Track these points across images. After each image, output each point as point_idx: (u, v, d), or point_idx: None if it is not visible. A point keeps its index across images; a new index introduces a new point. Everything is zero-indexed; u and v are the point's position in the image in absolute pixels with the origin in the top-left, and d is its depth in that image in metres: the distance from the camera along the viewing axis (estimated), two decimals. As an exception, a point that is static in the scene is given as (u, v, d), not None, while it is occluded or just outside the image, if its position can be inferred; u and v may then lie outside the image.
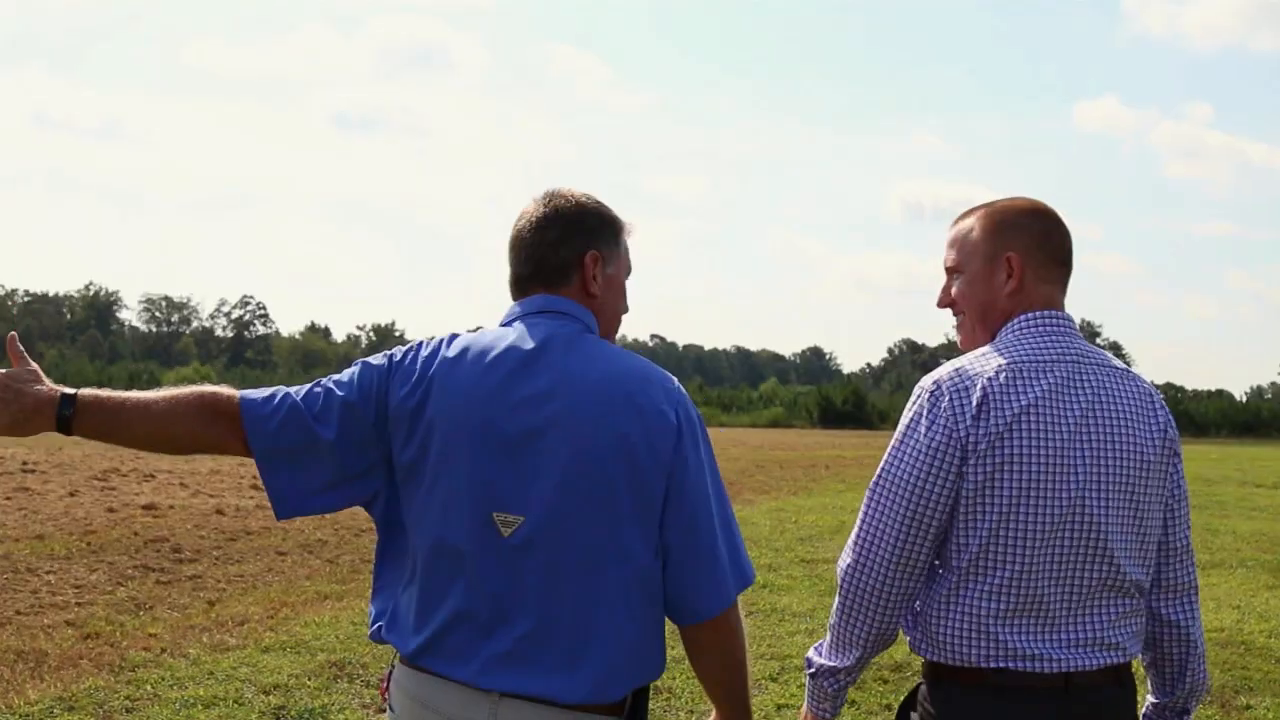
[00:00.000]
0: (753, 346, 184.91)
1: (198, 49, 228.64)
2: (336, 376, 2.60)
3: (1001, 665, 2.52)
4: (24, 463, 21.65)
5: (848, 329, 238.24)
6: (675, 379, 2.57)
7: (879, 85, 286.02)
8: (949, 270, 2.81)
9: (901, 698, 2.91)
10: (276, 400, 2.55)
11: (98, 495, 16.69)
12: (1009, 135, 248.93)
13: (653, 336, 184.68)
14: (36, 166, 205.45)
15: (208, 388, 2.55)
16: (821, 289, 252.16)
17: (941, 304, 2.85)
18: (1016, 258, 2.69)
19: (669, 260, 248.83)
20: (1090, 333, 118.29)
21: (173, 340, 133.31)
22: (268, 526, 13.69)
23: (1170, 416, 2.72)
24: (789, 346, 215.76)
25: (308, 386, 2.58)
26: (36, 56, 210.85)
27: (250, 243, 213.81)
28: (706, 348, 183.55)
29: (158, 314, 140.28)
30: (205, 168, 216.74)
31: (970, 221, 2.78)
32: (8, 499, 15.94)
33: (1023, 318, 2.68)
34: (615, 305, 2.73)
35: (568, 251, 2.62)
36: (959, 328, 2.85)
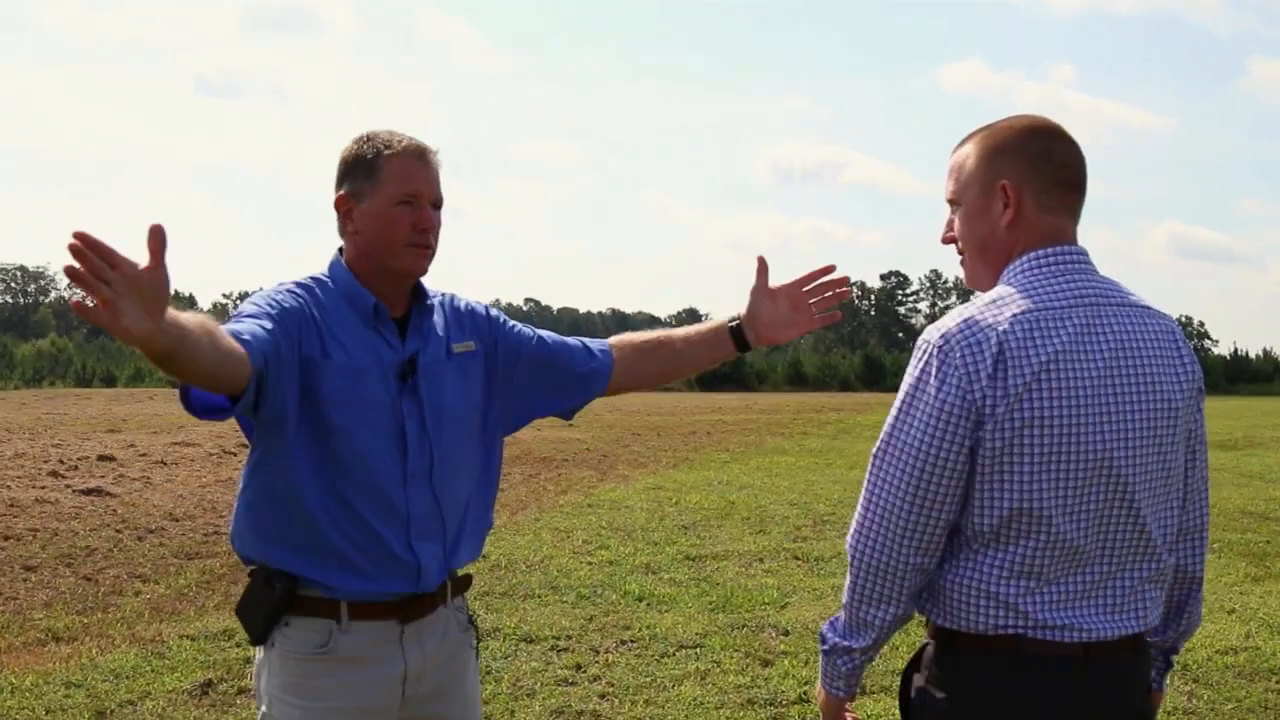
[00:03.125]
0: (628, 309, 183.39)
1: (55, 11, 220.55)
2: None
3: (1018, 633, 2.34)
4: None
5: (722, 291, 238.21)
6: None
7: (749, 47, 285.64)
8: (949, 203, 2.59)
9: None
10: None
11: None
12: (877, 97, 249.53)
13: (527, 300, 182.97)
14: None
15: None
16: (695, 251, 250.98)
17: (945, 240, 2.61)
18: (1011, 185, 2.46)
19: (542, 224, 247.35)
20: (966, 290, 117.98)
21: (29, 311, 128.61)
22: (35, 530, 11.11)
23: (1193, 353, 2.49)
24: (664, 309, 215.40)
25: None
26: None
27: (110, 212, 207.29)
28: (581, 310, 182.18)
29: (13, 284, 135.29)
30: (65, 134, 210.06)
31: (967, 148, 2.55)
32: None
33: (1030, 256, 2.43)
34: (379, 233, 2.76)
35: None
36: (962, 265, 2.60)
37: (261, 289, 2.77)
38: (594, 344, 3.14)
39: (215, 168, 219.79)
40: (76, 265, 2.02)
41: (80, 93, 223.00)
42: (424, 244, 2.78)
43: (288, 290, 2.74)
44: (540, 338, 3.09)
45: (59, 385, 58.42)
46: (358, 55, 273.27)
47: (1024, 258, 2.42)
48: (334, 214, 2.84)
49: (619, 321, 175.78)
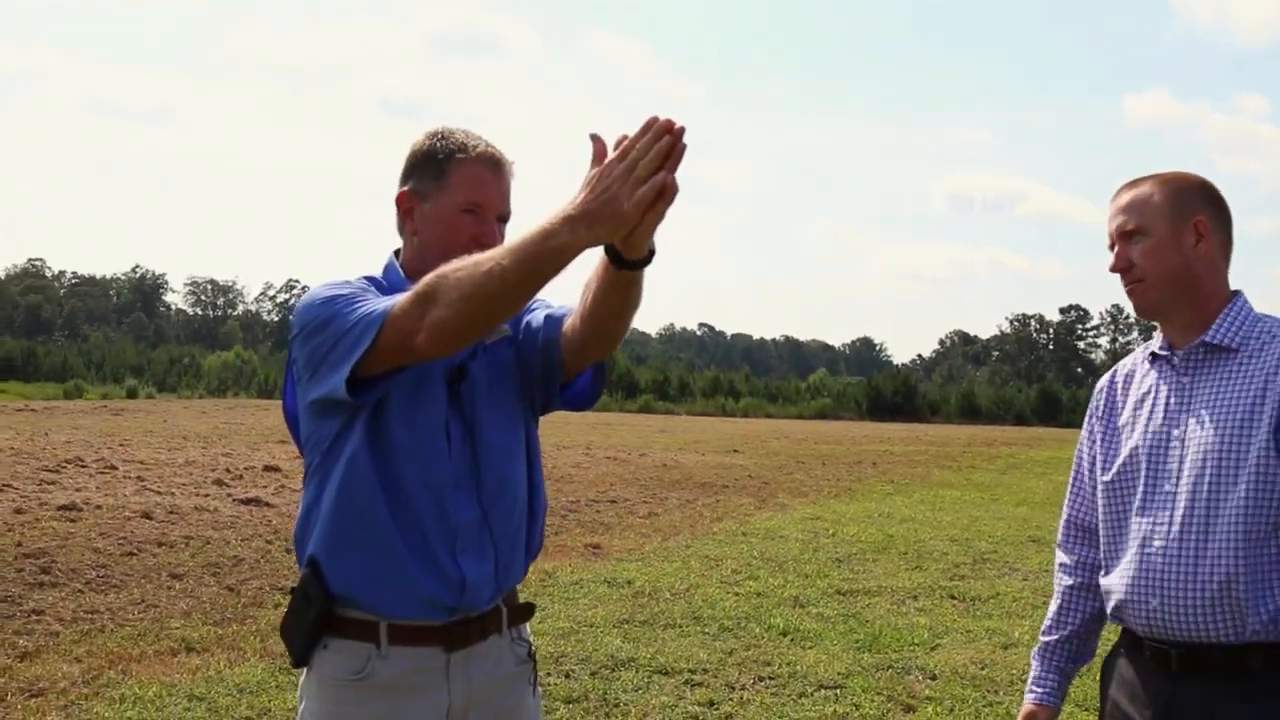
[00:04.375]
0: (801, 336, 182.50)
1: (245, 35, 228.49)
2: None
3: None
4: (-13, 449, 19.57)
5: (898, 320, 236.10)
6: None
7: (926, 76, 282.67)
8: (1127, 234, 2.83)
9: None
10: None
11: (29, 491, 14.36)
12: (1058, 128, 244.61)
13: (700, 325, 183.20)
14: (86, 150, 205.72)
15: None
16: (871, 280, 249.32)
17: (1117, 268, 2.86)
18: (1205, 221, 2.80)
19: (717, 249, 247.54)
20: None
21: (218, 324, 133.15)
22: (188, 538, 11.22)
23: None
24: (838, 337, 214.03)
25: None
26: (87, 42, 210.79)
27: (296, 227, 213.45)
28: (755, 337, 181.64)
29: (203, 297, 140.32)
30: (253, 152, 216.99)
31: (1147, 188, 2.83)
32: (-79, 495, 13.64)
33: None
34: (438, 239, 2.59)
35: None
36: (1132, 292, 2.86)
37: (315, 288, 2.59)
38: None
39: (395, 187, 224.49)
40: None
41: (271, 112, 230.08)
42: None
43: (352, 281, 2.60)
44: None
45: (242, 396, 60.07)
46: (537, 77, 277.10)
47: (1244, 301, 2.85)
48: (394, 209, 2.67)
49: (793, 349, 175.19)
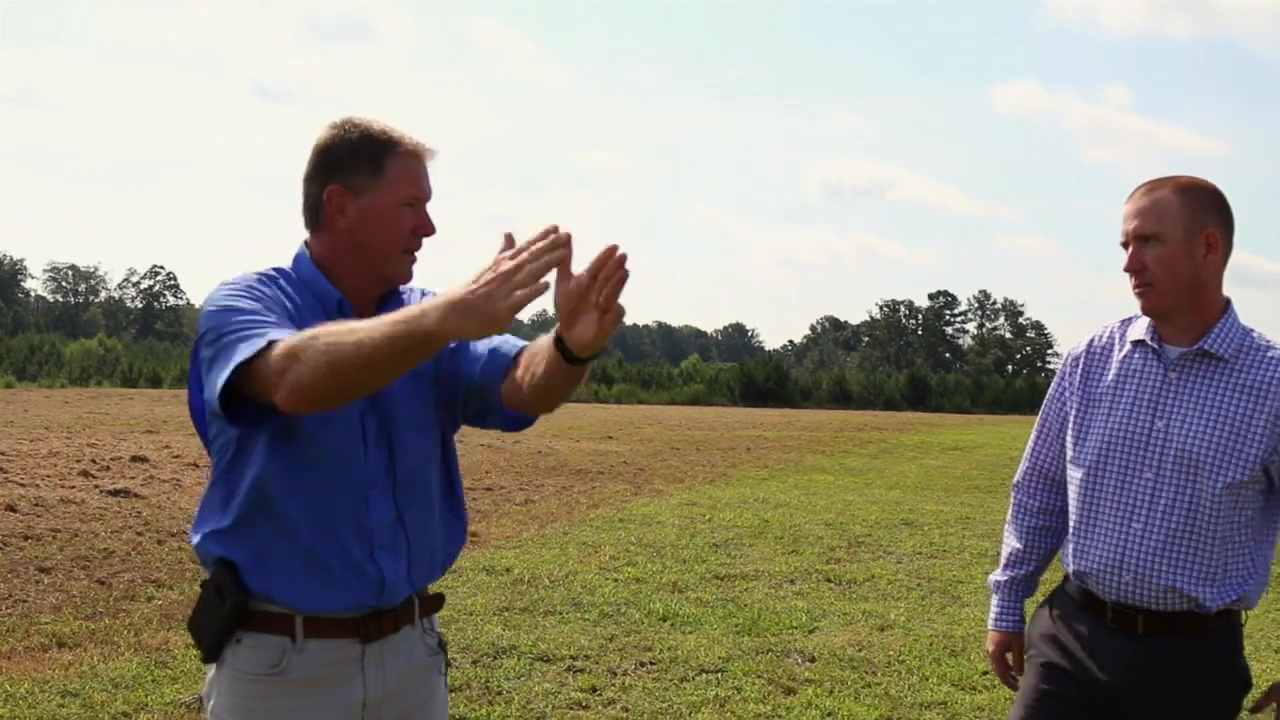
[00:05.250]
0: (675, 323, 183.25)
1: (117, 15, 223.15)
2: None
3: None
4: None
5: (770, 306, 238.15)
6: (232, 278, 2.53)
7: (799, 64, 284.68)
8: (1142, 237, 3.05)
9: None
10: None
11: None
12: (928, 116, 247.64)
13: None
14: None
15: None
16: (744, 266, 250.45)
17: (1131, 269, 3.07)
18: (1215, 234, 3.05)
19: (593, 234, 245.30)
20: (1013, 311, 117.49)
21: (80, 310, 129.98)
22: (56, 530, 10.96)
23: None
24: (711, 323, 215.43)
25: None
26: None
27: (163, 213, 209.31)
28: (628, 323, 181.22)
29: (64, 284, 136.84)
30: (119, 136, 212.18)
31: (1166, 194, 3.05)
32: None
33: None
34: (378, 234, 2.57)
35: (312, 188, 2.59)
36: (1142, 294, 3.07)
37: (226, 280, 2.53)
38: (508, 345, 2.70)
39: (268, 172, 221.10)
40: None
41: (137, 95, 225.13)
42: (417, 249, 2.62)
43: (263, 279, 2.55)
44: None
45: (105, 385, 58.76)
46: (413, 64, 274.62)
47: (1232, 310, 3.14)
48: (312, 205, 2.61)
49: (665, 335, 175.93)
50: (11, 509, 12.02)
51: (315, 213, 2.61)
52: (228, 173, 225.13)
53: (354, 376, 2.21)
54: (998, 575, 3.52)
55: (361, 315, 2.51)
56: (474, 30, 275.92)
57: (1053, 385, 3.38)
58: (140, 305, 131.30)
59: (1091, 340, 3.30)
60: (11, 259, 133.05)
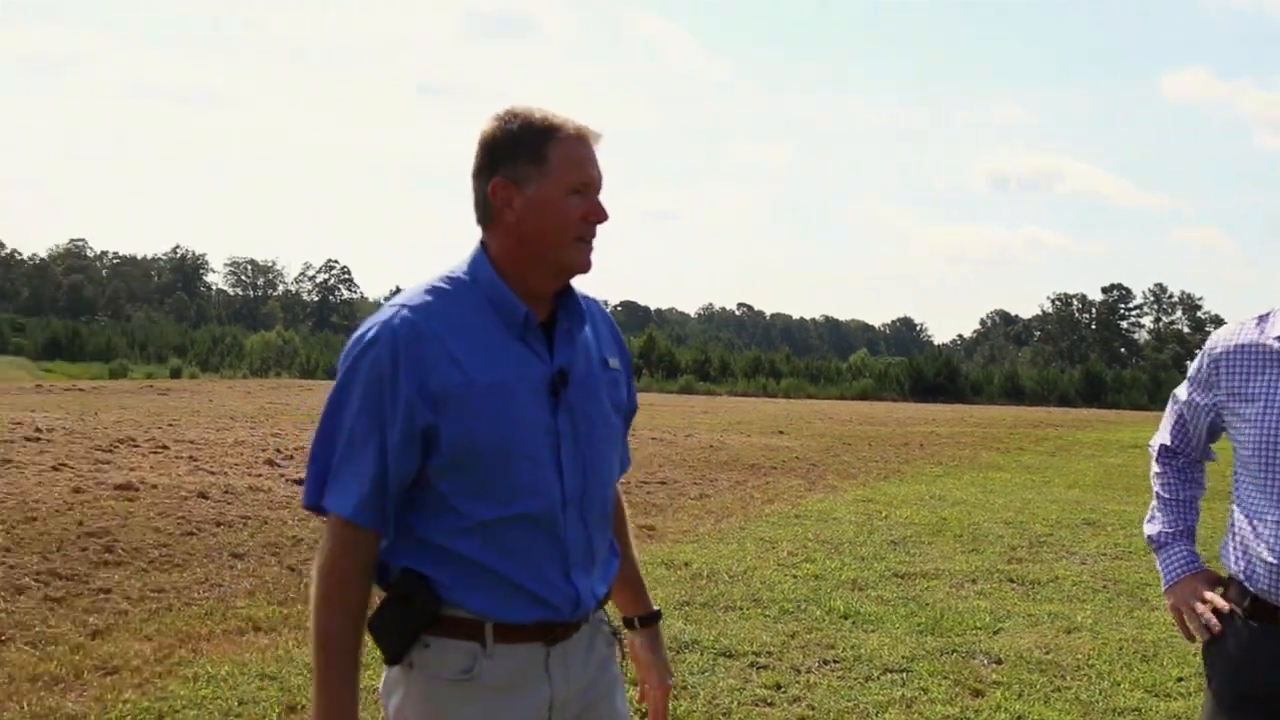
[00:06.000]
0: (841, 316, 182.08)
1: (285, 18, 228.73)
2: None
3: None
4: (37, 429, 19.74)
5: (938, 300, 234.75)
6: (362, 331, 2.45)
7: (964, 55, 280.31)
8: None
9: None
10: None
11: (85, 470, 14.50)
12: (1095, 106, 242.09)
13: (739, 305, 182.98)
14: (127, 132, 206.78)
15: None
16: (910, 259, 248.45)
17: None
18: None
19: (756, 229, 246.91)
20: (1191, 305, 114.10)
21: (258, 304, 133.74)
22: (245, 517, 11.30)
23: None
24: (879, 317, 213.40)
25: None
26: (132, 26, 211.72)
27: (334, 208, 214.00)
28: (794, 317, 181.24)
29: (244, 277, 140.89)
30: (291, 134, 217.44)
31: None
32: (-22, 473, 13.78)
33: None
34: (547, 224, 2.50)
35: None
36: None
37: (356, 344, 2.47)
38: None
39: (434, 167, 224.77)
40: None
41: (309, 94, 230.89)
42: (592, 237, 2.54)
43: (388, 350, 2.42)
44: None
45: (284, 376, 60.39)
46: (572, 59, 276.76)
47: None
48: (479, 201, 2.55)
49: (833, 329, 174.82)
50: (204, 496, 12.42)
51: (484, 209, 2.54)
52: (396, 169, 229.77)
53: (313, 603, 2.43)
54: (1162, 527, 3.37)
55: (540, 321, 2.54)
56: (632, 24, 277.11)
57: (1189, 384, 3.29)
58: (316, 298, 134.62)
59: (1229, 338, 3.19)
60: (194, 254, 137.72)
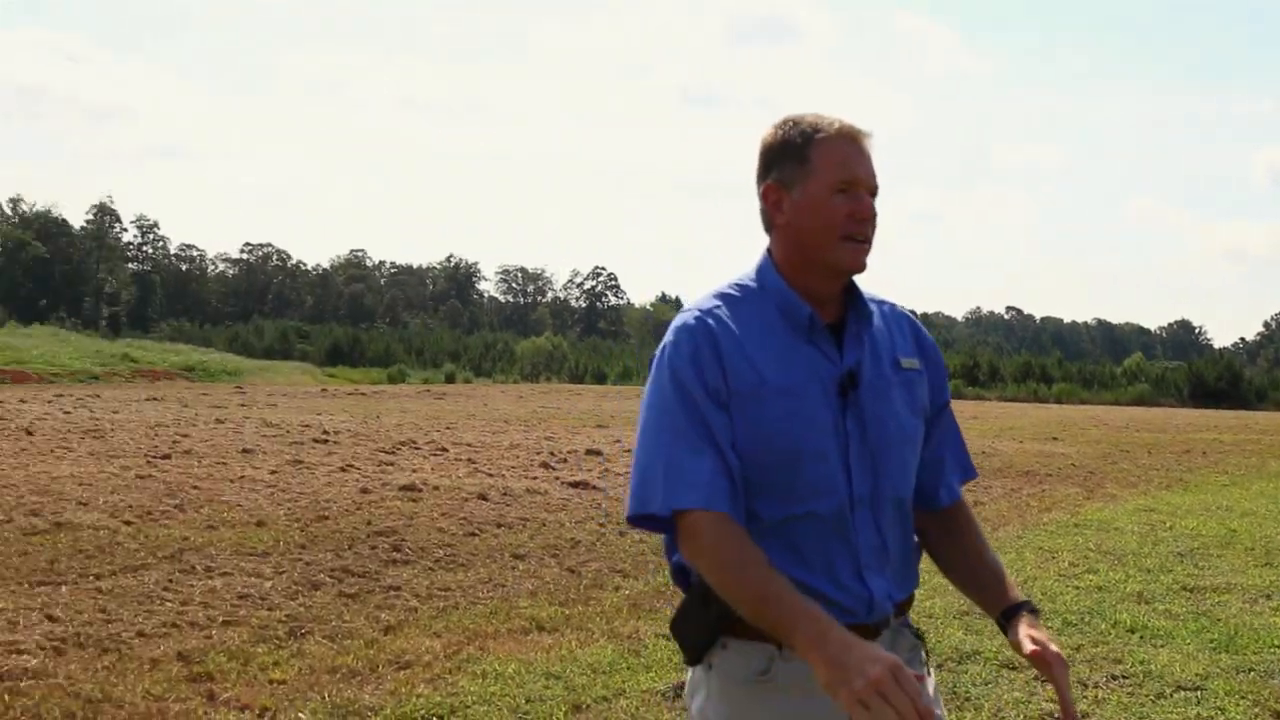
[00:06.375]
0: (1114, 319, 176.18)
1: (547, 30, 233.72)
2: None
3: None
4: (324, 431, 20.69)
5: (1217, 301, 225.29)
6: (664, 341, 2.54)
7: (1238, 46, 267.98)
8: None
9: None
10: None
11: (370, 471, 15.13)
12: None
13: (1008, 309, 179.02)
14: (403, 146, 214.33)
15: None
16: (1187, 260, 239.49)
17: None
18: None
19: (1023, 231, 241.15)
20: None
21: (528, 310, 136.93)
22: (524, 519, 11.60)
23: None
24: (1154, 320, 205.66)
25: None
26: (399, 43, 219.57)
27: (602, 215, 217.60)
28: (1065, 320, 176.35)
29: (514, 285, 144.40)
30: (558, 144, 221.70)
31: None
32: (273, 473, 14.53)
33: None
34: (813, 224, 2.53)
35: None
36: None
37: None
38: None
39: (698, 175, 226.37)
40: None
41: (574, 103, 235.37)
42: (862, 236, 2.52)
43: (689, 349, 2.49)
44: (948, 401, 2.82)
45: (553, 380, 61.71)
46: (834, 61, 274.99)
47: None
48: (760, 208, 2.61)
49: (1105, 332, 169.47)
50: (483, 498, 12.80)
51: (764, 215, 2.60)
52: (661, 176, 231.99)
53: (724, 595, 2.39)
54: None
55: (828, 323, 2.55)
56: (895, 24, 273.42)
57: None
58: (584, 305, 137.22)
59: None
60: (467, 263, 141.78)
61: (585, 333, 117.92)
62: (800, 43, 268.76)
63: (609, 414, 29.75)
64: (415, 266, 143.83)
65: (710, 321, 2.50)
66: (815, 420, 2.47)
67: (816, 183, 2.50)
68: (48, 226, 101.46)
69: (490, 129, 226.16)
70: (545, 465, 16.58)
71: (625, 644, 7.08)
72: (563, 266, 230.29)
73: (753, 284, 2.59)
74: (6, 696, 5.70)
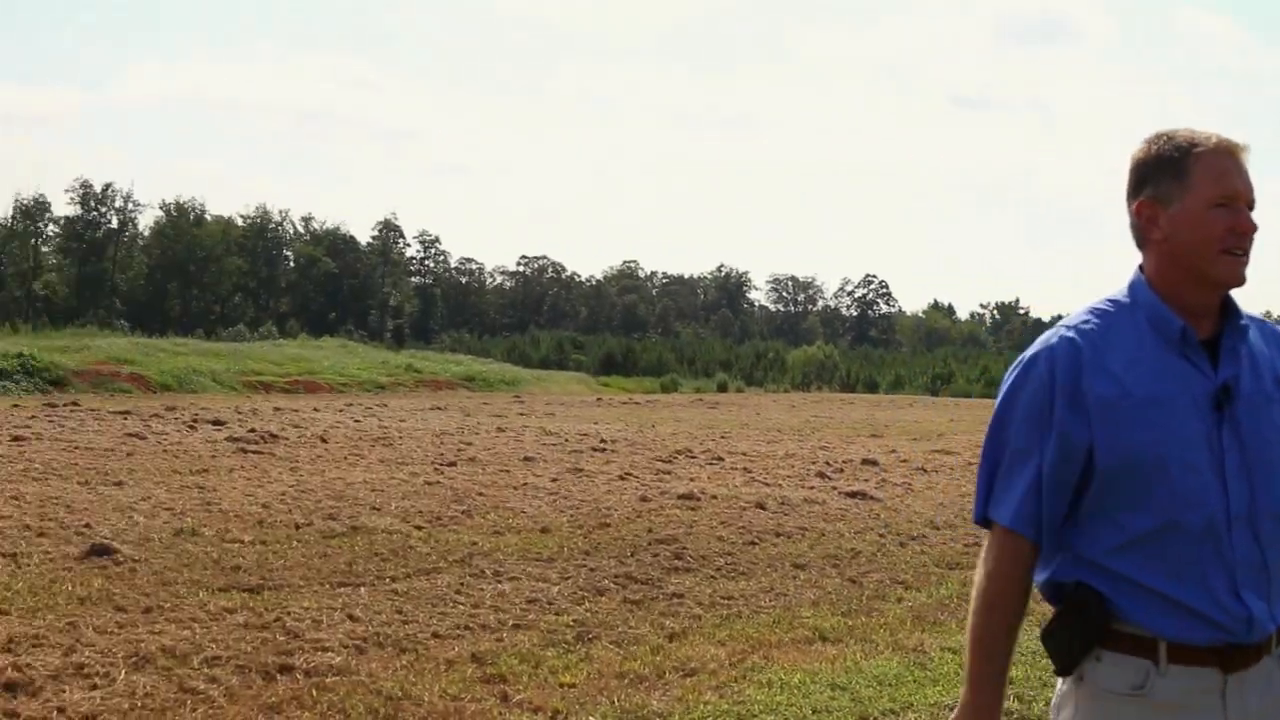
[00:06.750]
0: None
1: (808, 37, 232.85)
2: None
3: None
4: (602, 440, 21.07)
5: None
6: (1025, 353, 2.60)
7: None
8: None
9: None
10: None
11: (649, 479, 15.35)
12: None
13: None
14: (672, 157, 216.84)
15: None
16: None
17: None
18: None
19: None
20: None
21: (799, 319, 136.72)
22: (802, 528, 11.57)
23: None
24: None
25: None
26: (667, 55, 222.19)
27: (871, 222, 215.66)
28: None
29: (784, 293, 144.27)
30: (825, 151, 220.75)
31: None
32: (554, 480, 14.87)
33: None
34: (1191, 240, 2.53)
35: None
36: None
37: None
38: None
39: (972, 179, 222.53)
40: None
41: (841, 110, 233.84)
42: (1241, 250, 2.50)
43: (1043, 372, 2.54)
44: None
45: (825, 389, 61.47)
46: (1113, 60, 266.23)
47: None
48: (1132, 224, 2.61)
49: None
50: (761, 507, 12.83)
51: (1136, 231, 2.61)
52: (931, 181, 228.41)
53: (971, 605, 2.62)
54: None
55: (1202, 338, 2.53)
56: (1176, 20, 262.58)
57: None
58: (855, 313, 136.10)
59: None
60: (738, 272, 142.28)
61: (856, 341, 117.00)
62: (1074, 42, 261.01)
63: (882, 423, 29.48)
64: (687, 277, 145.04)
65: (1074, 339, 2.54)
66: (1182, 432, 2.46)
67: (1195, 197, 2.50)
68: (337, 243, 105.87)
69: (756, 138, 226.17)
70: (821, 475, 16.52)
71: (910, 656, 6.99)
72: (833, 274, 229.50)
73: (1125, 299, 2.61)
74: (314, 691, 5.97)
